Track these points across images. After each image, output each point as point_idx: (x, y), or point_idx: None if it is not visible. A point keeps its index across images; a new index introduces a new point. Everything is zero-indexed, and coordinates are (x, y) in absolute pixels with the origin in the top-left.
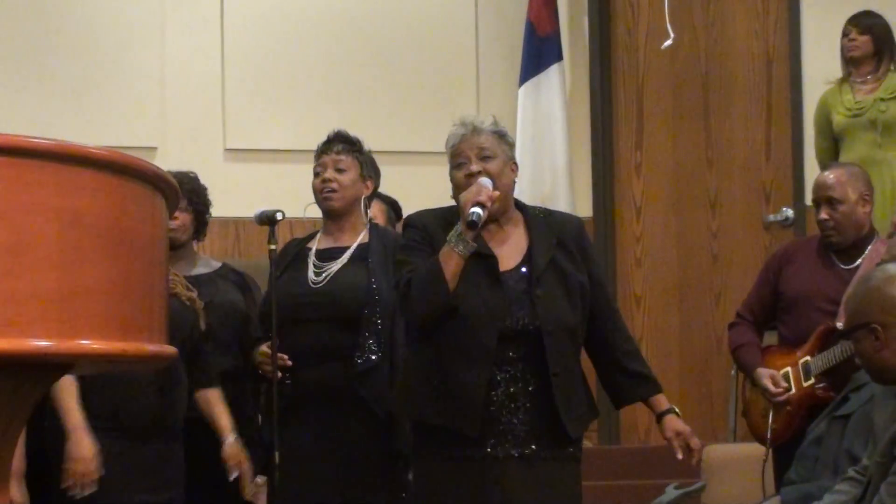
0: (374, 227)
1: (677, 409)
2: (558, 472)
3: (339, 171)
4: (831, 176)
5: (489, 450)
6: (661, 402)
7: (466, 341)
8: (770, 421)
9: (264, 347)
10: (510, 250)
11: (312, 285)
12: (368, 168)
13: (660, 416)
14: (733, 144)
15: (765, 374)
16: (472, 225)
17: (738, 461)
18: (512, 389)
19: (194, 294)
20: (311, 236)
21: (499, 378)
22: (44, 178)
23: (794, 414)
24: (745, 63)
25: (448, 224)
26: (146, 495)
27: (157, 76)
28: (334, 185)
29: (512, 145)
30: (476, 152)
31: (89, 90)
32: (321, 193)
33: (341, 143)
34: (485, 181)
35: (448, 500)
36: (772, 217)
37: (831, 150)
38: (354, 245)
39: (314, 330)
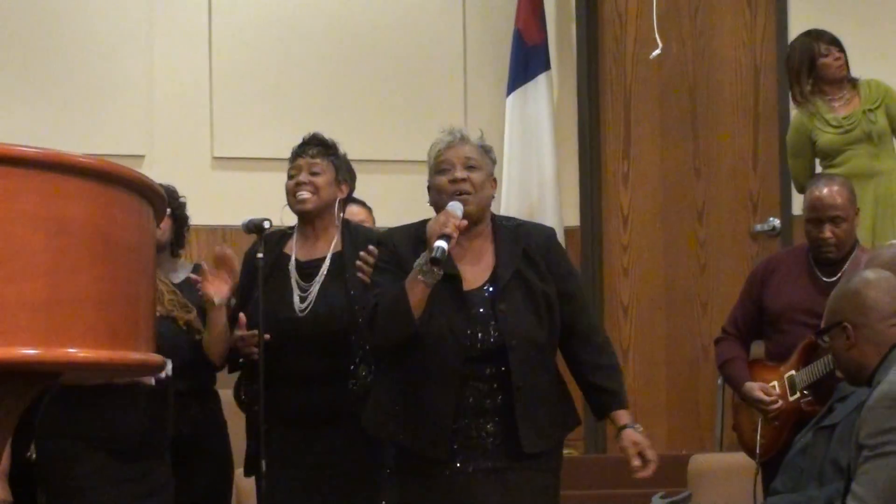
0: (345, 229)
1: (638, 426)
2: (531, 485)
3: (314, 174)
4: (835, 194)
5: (459, 465)
6: (621, 417)
7: (432, 364)
8: (759, 435)
9: (239, 331)
10: (476, 267)
11: (299, 312)
12: (344, 171)
13: (619, 430)
14: (720, 154)
15: (755, 387)
16: (435, 262)
17: (725, 471)
18: (481, 405)
19: (192, 316)
20: (287, 237)
21: (468, 395)
22: (31, 186)
23: (782, 428)
24: (732, 73)
25: (420, 241)
26: None
27: (144, 85)
28: (308, 188)
29: (494, 161)
30: (462, 161)
31: (77, 98)
32: (294, 196)
33: (316, 146)
34: (453, 206)
35: None
36: (759, 227)
37: (811, 169)
38: (329, 255)
39: (299, 354)
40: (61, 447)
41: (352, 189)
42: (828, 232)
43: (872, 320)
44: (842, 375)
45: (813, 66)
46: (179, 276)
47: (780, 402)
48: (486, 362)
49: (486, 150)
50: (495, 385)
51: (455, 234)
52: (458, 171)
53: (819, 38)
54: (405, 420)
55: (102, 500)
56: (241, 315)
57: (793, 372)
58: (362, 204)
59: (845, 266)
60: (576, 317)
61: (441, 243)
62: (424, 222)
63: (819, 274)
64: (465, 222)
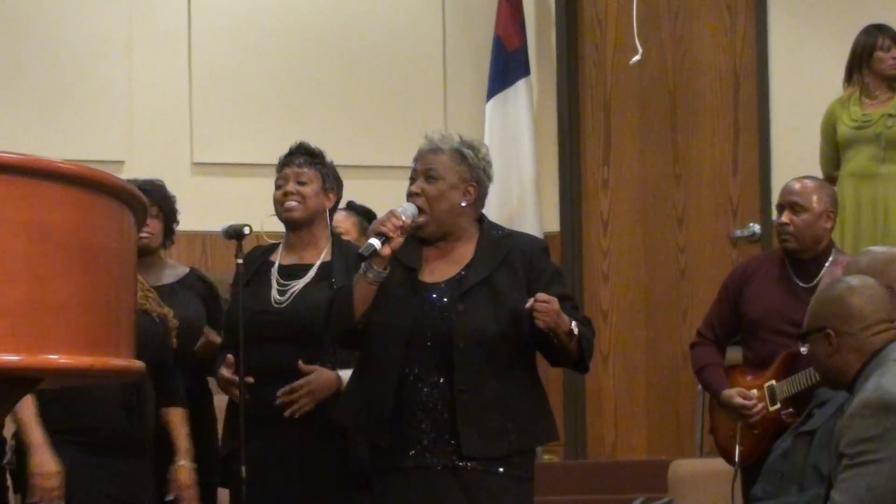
0: (337, 242)
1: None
2: (489, 488)
3: (301, 183)
4: (798, 184)
5: (416, 459)
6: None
7: (377, 351)
8: (737, 442)
9: (225, 372)
10: (447, 263)
11: (276, 304)
12: (331, 180)
13: None
14: (700, 160)
15: (734, 394)
16: (360, 257)
17: (705, 476)
18: (430, 399)
19: (166, 311)
20: (273, 248)
21: (417, 388)
22: (11, 192)
23: (762, 437)
24: (712, 79)
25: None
26: None
27: (124, 90)
28: (296, 198)
29: (473, 167)
30: (423, 171)
31: (56, 104)
32: (282, 205)
33: (303, 155)
34: (405, 208)
35: None
36: (739, 232)
37: (835, 158)
38: (318, 263)
39: (277, 348)
40: None
41: (339, 197)
42: (785, 217)
43: (856, 329)
44: (821, 379)
45: (870, 56)
46: (173, 276)
47: (761, 407)
48: (432, 355)
49: (461, 156)
50: (440, 380)
51: (394, 234)
52: (415, 185)
53: (884, 33)
54: (358, 409)
55: (79, 495)
56: (230, 356)
57: (773, 382)
58: (354, 211)
59: (822, 271)
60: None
61: (373, 241)
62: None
63: (796, 280)
64: (408, 222)
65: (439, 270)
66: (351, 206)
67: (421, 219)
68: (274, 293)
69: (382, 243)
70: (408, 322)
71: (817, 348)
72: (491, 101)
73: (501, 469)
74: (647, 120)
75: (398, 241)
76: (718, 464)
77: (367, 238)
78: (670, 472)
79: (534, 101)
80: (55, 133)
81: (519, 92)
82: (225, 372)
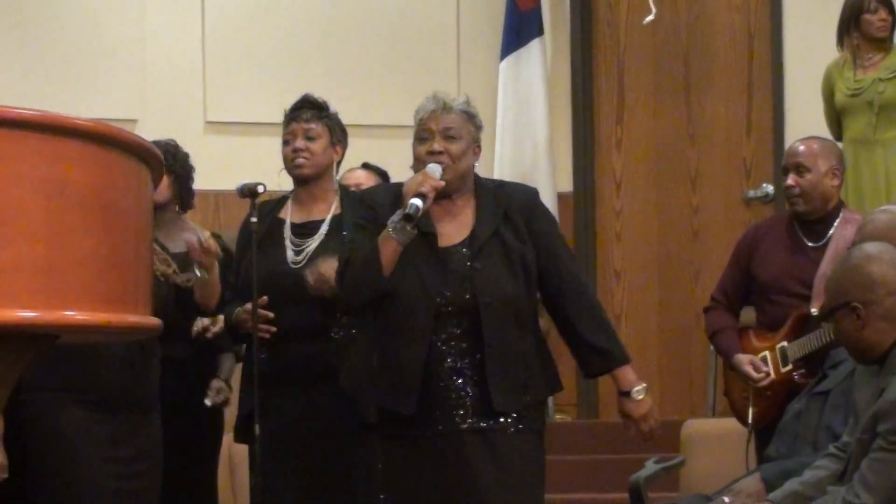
0: (345, 194)
1: (635, 392)
2: (512, 445)
3: (310, 139)
4: (802, 145)
5: (440, 426)
6: (620, 379)
7: (403, 320)
8: (751, 405)
9: (243, 314)
10: (455, 226)
11: (292, 265)
12: (338, 132)
13: (619, 394)
14: (714, 120)
15: (745, 361)
16: (408, 218)
17: (718, 436)
18: (457, 364)
19: (171, 269)
20: (282, 203)
21: (443, 354)
22: (29, 148)
23: (774, 399)
24: (726, 38)
25: (399, 200)
26: (118, 467)
27: (137, 49)
28: (305, 154)
29: (479, 127)
30: (442, 131)
31: (70, 63)
32: (292, 162)
33: (310, 109)
34: (432, 168)
35: (406, 477)
36: (752, 193)
37: (837, 120)
38: (328, 218)
39: (294, 310)
40: (44, 401)
41: (345, 148)
42: (790, 180)
43: (881, 295)
44: (853, 356)
45: (858, 19)
46: (180, 246)
47: (769, 378)
48: (458, 320)
49: (469, 116)
50: (467, 344)
51: (431, 195)
52: (436, 143)
53: None
54: (376, 378)
55: (86, 455)
56: (265, 298)
57: (784, 343)
58: (370, 169)
59: (831, 231)
60: (562, 274)
61: (415, 201)
62: (398, 185)
63: (805, 240)
64: (441, 183)
65: (449, 233)
66: (368, 166)
67: (447, 176)
68: (289, 254)
69: (423, 202)
70: (435, 289)
71: (845, 325)
72: (504, 61)
73: (521, 425)
74: (660, 80)
75: (430, 200)
76: (731, 424)
77: (405, 200)
78: (683, 431)
79: (547, 61)
80: (69, 92)
81: (532, 52)
82: (243, 314)
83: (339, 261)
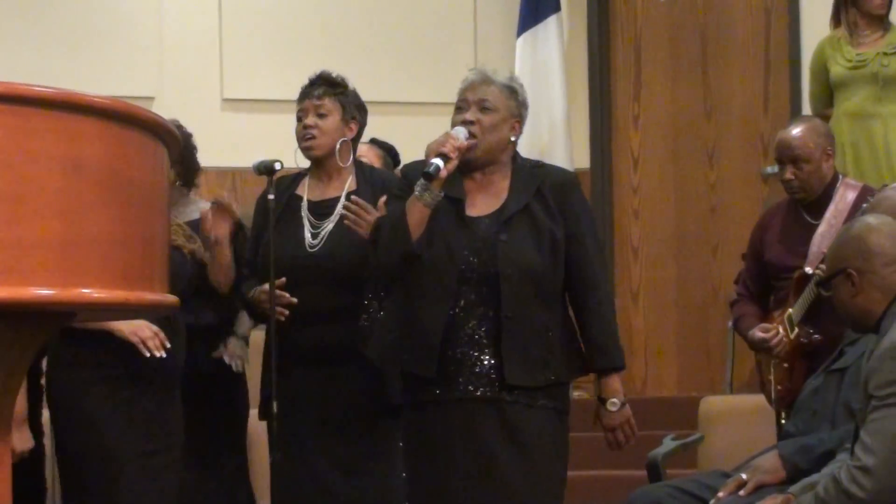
0: (359, 170)
1: (610, 403)
2: (526, 417)
3: (321, 115)
4: (794, 134)
5: (457, 392)
6: (605, 388)
7: (428, 284)
8: (773, 380)
9: (261, 294)
10: (488, 197)
11: (310, 248)
12: (352, 109)
13: (597, 401)
14: (731, 96)
15: (755, 330)
16: (427, 176)
17: (736, 412)
18: (477, 332)
19: (196, 246)
20: (299, 178)
21: (463, 320)
22: (46, 126)
23: (791, 368)
24: (743, 14)
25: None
26: (144, 442)
27: (154, 26)
28: (314, 132)
29: (522, 104)
30: (477, 102)
31: (87, 40)
32: (303, 140)
33: (322, 86)
34: (457, 131)
35: (425, 444)
36: (769, 169)
37: (826, 97)
38: (343, 194)
39: (313, 292)
40: (72, 378)
41: (362, 125)
42: (788, 173)
43: (877, 265)
44: (847, 324)
45: None
46: (195, 213)
47: (780, 336)
48: (480, 289)
49: (511, 91)
50: (487, 313)
51: (453, 155)
52: (468, 113)
53: None
54: (400, 342)
55: (109, 431)
56: (283, 279)
57: (790, 311)
58: (377, 145)
59: (830, 205)
60: (580, 262)
61: (436, 160)
62: None
63: (807, 218)
64: (464, 143)
65: (481, 203)
66: (374, 142)
67: (472, 141)
68: (307, 236)
69: (444, 162)
70: (460, 254)
71: (841, 291)
72: (521, 38)
73: (542, 401)
74: (677, 56)
75: (454, 162)
76: (749, 400)
77: (427, 159)
78: (700, 408)
79: (564, 37)
80: (85, 69)
81: (549, 28)
82: (261, 294)
83: (372, 228)
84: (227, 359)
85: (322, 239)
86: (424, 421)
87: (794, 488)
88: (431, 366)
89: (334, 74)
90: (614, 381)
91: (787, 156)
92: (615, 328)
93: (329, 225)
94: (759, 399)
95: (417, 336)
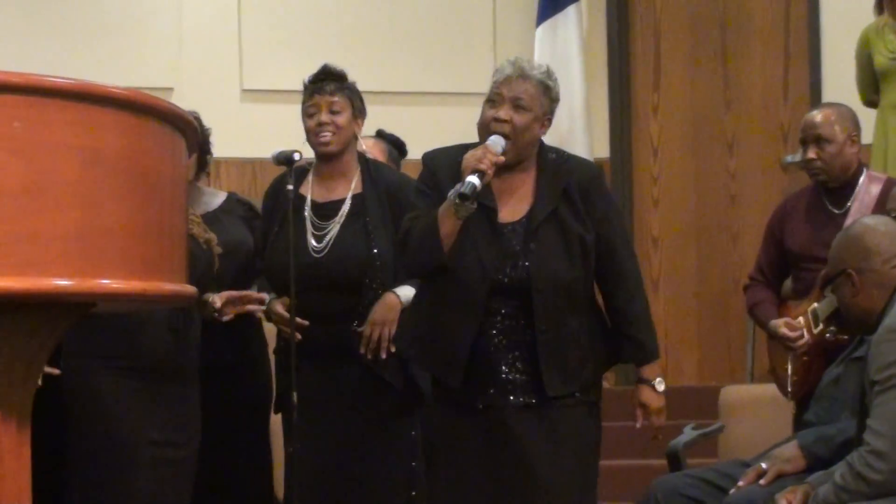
0: (366, 168)
1: (657, 382)
2: (564, 416)
3: (334, 112)
4: (819, 115)
5: (491, 400)
6: (645, 371)
7: (458, 294)
8: (790, 373)
9: (279, 307)
10: (515, 202)
11: (314, 253)
12: (358, 104)
13: (637, 381)
14: (751, 85)
15: (780, 324)
16: (464, 197)
17: (756, 402)
18: (507, 342)
19: (211, 237)
20: (303, 175)
21: (495, 328)
22: (64, 117)
23: (811, 362)
24: (763, 3)
25: (459, 167)
26: (158, 433)
27: (173, 16)
28: (331, 129)
29: (554, 100)
30: (512, 99)
31: (105, 31)
32: (317, 137)
33: (333, 81)
34: (494, 142)
35: (455, 447)
36: (789, 158)
37: (872, 84)
38: (349, 197)
39: (316, 295)
40: (86, 368)
41: (364, 119)
42: (811, 152)
43: (875, 263)
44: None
45: None
46: (212, 205)
47: (806, 336)
48: (513, 297)
49: (545, 88)
50: (518, 324)
51: (490, 171)
52: (502, 111)
53: None
54: (427, 344)
55: (125, 423)
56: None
57: (815, 305)
58: (382, 138)
59: (855, 200)
60: (611, 260)
61: (473, 179)
62: (467, 147)
63: (830, 207)
64: (501, 159)
65: (508, 208)
66: (380, 134)
67: (507, 152)
68: (310, 240)
69: (480, 179)
70: (492, 266)
71: (842, 292)
72: (541, 27)
73: (577, 394)
74: (697, 45)
75: (490, 175)
76: (769, 390)
77: (463, 175)
78: (721, 398)
79: (584, 26)
80: (104, 60)
81: (569, 17)
82: (279, 307)
83: (401, 229)
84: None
85: (327, 244)
86: (456, 424)
87: (812, 478)
88: (458, 377)
89: (337, 67)
90: (655, 369)
91: (810, 135)
92: (648, 320)
93: (334, 227)
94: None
95: (446, 346)
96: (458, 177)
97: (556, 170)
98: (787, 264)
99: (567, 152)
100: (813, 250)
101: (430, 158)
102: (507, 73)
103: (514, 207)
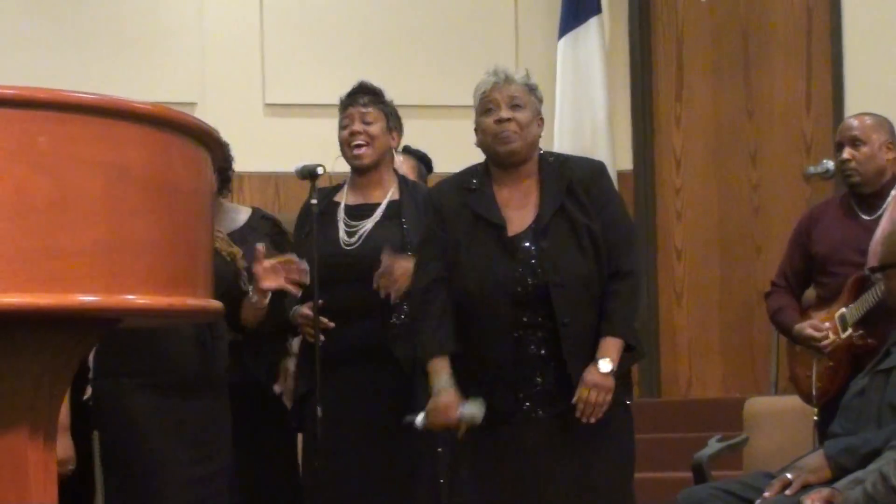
0: (404, 182)
1: (603, 362)
2: (598, 430)
3: (367, 123)
4: (856, 120)
5: (526, 413)
6: (601, 348)
7: (486, 319)
8: (814, 379)
9: (305, 309)
10: (522, 208)
11: (345, 246)
12: (394, 119)
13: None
14: (773, 95)
15: (805, 325)
16: (410, 425)
17: (780, 413)
18: (542, 351)
19: (235, 251)
20: (337, 189)
21: (524, 342)
22: (89, 132)
23: (837, 367)
24: (784, 13)
25: (466, 191)
26: (189, 451)
27: (196, 31)
28: (364, 139)
29: (541, 100)
30: (507, 100)
31: (129, 46)
32: (350, 147)
33: (367, 94)
34: (468, 413)
35: (491, 462)
36: (812, 169)
37: None
38: (385, 201)
39: (348, 290)
40: (115, 386)
41: (401, 136)
42: (846, 154)
43: None
44: None
45: None
46: (238, 221)
47: (832, 336)
48: (536, 306)
49: (531, 89)
50: (544, 328)
51: (436, 429)
52: (503, 111)
53: None
54: (464, 376)
55: (156, 439)
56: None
57: (843, 309)
58: (410, 154)
59: (886, 202)
60: (613, 250)
61: (418, 419)
62: (470, 171)
63: (861, 214)
64: (460, 426)
65: (517, 219)
66: (407, 150)
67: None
68: (342, 235)
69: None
70: (511, 281)
71: (894, 282)
72: (563, 40)
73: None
74: (719, 56)
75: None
76: (794, 401)
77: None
78: (745, 409)
79: (606, 38)
80: (128, 75)
81: (591, 30)
82: (305, 309)
83: (414, 273)
84: (285, 399)
85: (359, 238)
86: (488, 439)
87: (839, 484)
88: (508, 399)
89: (372, 84)
90: (611, 347)
91: (846, 137)
92: (628, 302)
93: (368, 224)
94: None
95: (484, 373)
96: (464, 198)
97: (558, 169)
98: (810, 272)
99: (566, 153)
100: (842, 253)
101: (433, 196)
102: (492, 80)
103: (523, 216)
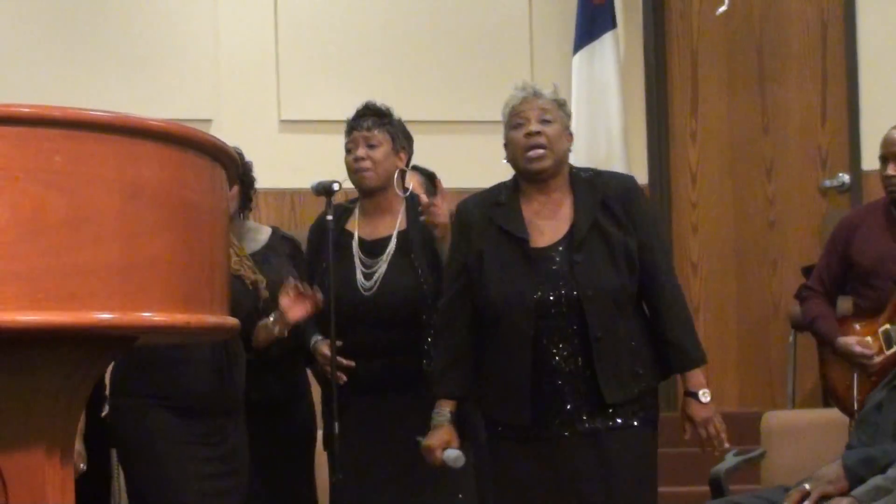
0: (411, 206)
1: (702, 394)
2: (626, 445)
3: (371, 146)
4: None
5: (553, 430)
6: (691, 381)
7: (505, 330)
8: (856, 392)
9: (324, 349)
10: (554, 221)
11: (363, 291)
12: (401, 139)
13: (685, 394)
14: (788, 109)
15: (852, 342)
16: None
17: (797, 427)
18: (567, 364)
19: (259, 279)
20: (348, 213)
21: (551, 355)
22: (104, 150)
23: (878, 383)
24: (799, 27)
25: (494, 205)
26: (205, 468)
27: (211, 48)
28: (367, 164)
29: (569, 115)
30: (537, 114)
31: (143, 63)
32: (355, 172)
33: (371, 117)
34: (452, 457)
35: (521, 479)
36: (828, 182)
37: None
38: (395, 234)
39: (367, 331)
40: (132, 405)
41: (410, 155)
42: (891, 169)
43: None
44: None
45: None
46: (259, 242)
47: (880, 355)
48: (564, 319)
49: (560, 104)
50: (575, 341)
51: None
52: (532, 125)
53: None
54: (487, 389)
55: (174, 458)
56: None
57: (888, 326)
58: (418, 172)
59: None
60: (651, 268)
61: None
62: (499, 186)
63: None
64: (446, 465)
65: (548, 231)
66: (415, 169)
67: (547, 163)
68: (359, 277)
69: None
70: (532, 293)
71: None
72: (578, 55)
73: (636, 421)
74: (734, 70)
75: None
76: (810, 415)
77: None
78: (763, 423)
79: (621, 53)
80: (142, 92)
81: (606, 45)
82: (325, 349)
83: (444, 291)
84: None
85: (376, 281)
86: (515, 455)
87: (857, 492)
88: (527, 415)
89: (380, 104)
90: (698, 375)
91: (891, 152)
92: (690, 324)
93: (382, 266)
94: (822, 413)
95: (506, 386)
96: (492, 212)
97: (591, 185)
98: (847, 278)
99: (598, 169)
100: (884, 266)
101: (461, 211)
102: (521, 95)
103: (554, 229)
